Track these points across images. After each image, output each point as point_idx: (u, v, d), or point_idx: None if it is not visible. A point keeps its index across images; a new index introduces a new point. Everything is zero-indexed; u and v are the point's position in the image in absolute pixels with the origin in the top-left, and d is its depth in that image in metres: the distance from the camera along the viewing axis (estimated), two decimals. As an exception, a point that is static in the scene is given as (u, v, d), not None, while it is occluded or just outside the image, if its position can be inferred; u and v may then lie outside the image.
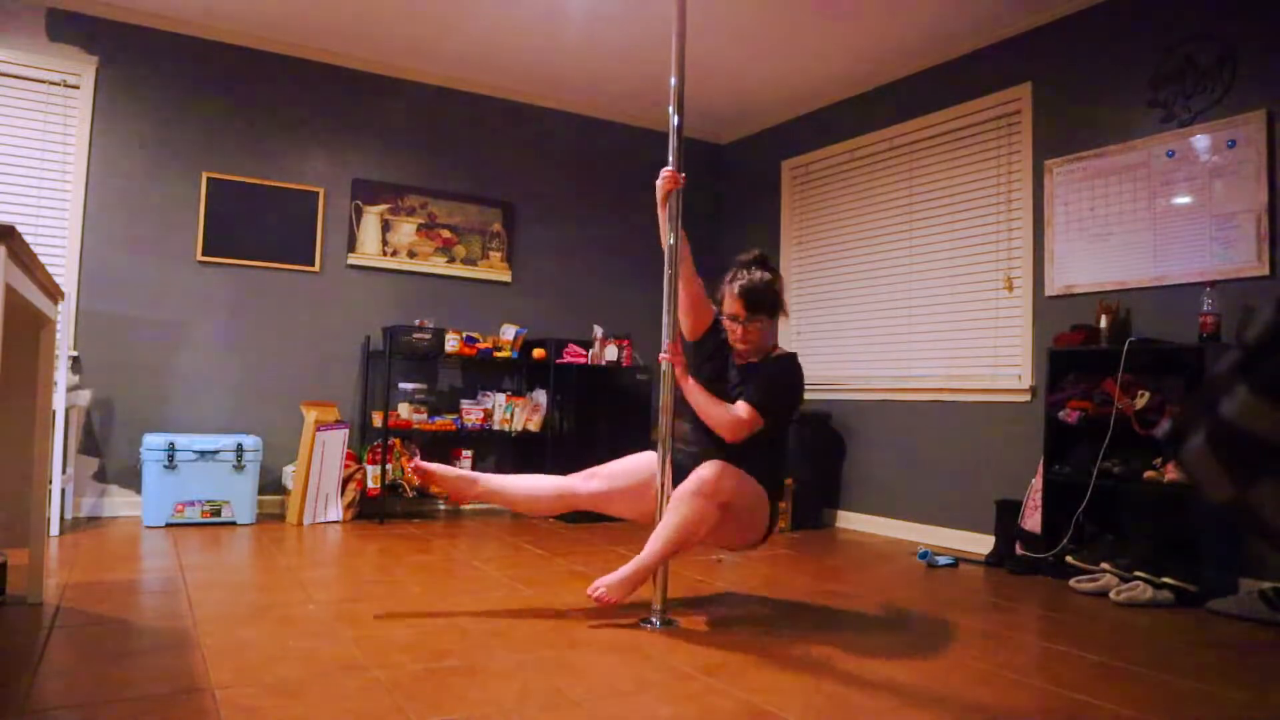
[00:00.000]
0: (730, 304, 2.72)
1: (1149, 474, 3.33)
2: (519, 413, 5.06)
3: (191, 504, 4.17)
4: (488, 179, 5.37)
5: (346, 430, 4.49)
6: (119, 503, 4.39)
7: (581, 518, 4.75)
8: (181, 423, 4.52)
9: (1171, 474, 3.25)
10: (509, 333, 5.10)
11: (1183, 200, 3.54)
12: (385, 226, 5.05)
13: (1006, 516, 3.88)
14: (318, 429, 4.37)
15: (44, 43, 4.28)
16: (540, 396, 5.08)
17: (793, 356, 2.80)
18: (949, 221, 4.56)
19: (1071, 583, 3.37)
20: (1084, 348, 3.63)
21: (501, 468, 5.32)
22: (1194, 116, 3.52)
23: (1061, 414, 3.61)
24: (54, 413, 3.58)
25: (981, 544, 4.16)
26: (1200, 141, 3.49)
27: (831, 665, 2.24)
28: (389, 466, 4.64)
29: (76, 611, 2.49)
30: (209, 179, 4.60)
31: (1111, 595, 3.19)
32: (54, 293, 2.51)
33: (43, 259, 4.19)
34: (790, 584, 3.30)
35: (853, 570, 3.65)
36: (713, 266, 6.14)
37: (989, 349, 4.32)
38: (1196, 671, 2.31)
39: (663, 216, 2.71)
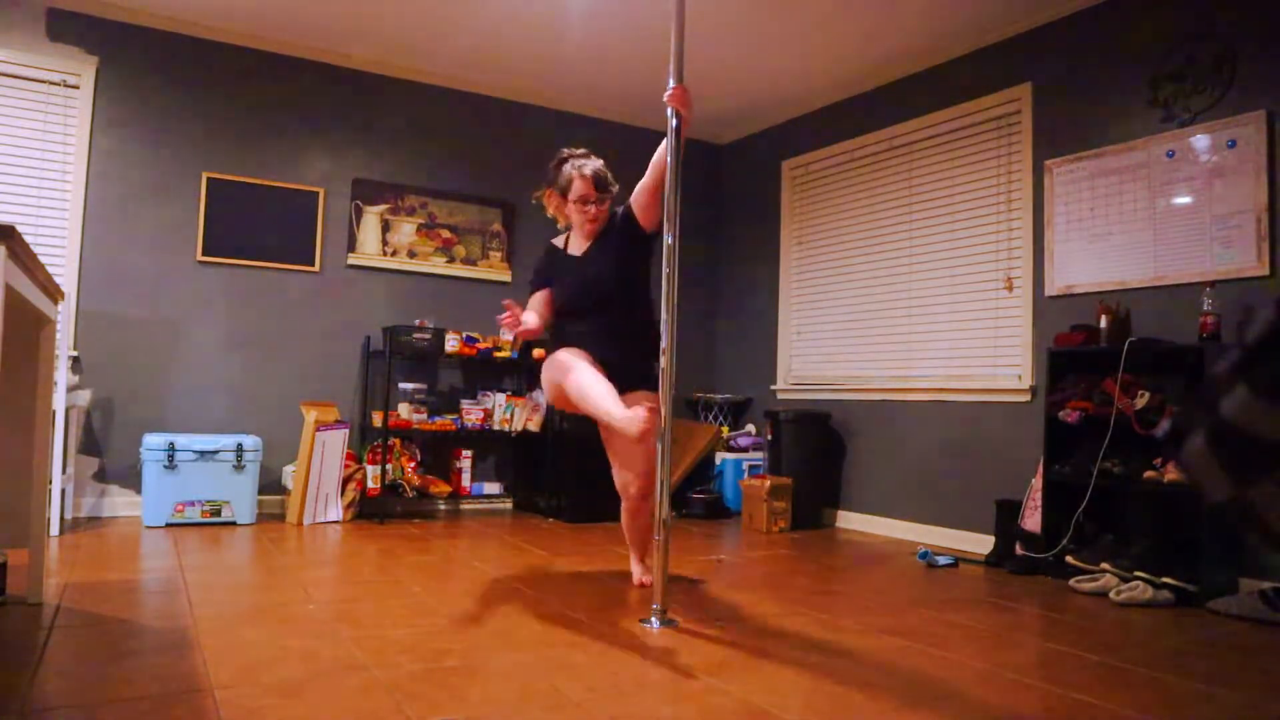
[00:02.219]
0: (582, 187, 3.03)
1: (1149, 474, 3.33)
2: (519, 413, 5.06)
3: (191, 504, 4.17)
4: (488, 179, 5.37)
5: (346, 430, 4.49)
6: (119, 503, 4.39)
7: (582, 517, 4.76)
8: (181, 423, 4.52)
9: (1171, 474, 3.25)
10: (509, 333, 5.10)
11: (1183, 200, 3.54)
12: (385, 226, 5.05)
13: (1006, 516, 3.88)
14: (318, 429, 4.37)
15: (44, 43, 4.28)
16: (540, 396, 5.08)
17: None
18: (949, 221, 4.56)
19: (1071, 583, 3.37)
20: (1084, 348, 3.63)
21: (501, 468, 5.32)
22: (1194, 116, 3.52)
23: (1061, 414, 3.61)
24: (54, 413, 3.58)
25: (981, 544, 4.16)
26: (1200, 141, 3.49)
27: (831, 665, 2.24)
28: (389, 466, 4.64)
29: (76, 611, 2.49)
30: (209, 179, 4.60)
31: (1111, 595, 3.19)
32: (54, 293, 2.51)
33: (43, 259, 4.19)
34: (790, 584, 3.30)
35: (853, 570, 3.65)
36: (712, 265, 6.16)
37: (989, 349, 4.32)
38: (1196, 671, 2.31)
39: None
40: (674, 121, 2.72)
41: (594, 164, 3.09)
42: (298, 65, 4.86)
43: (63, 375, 3.83)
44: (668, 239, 2.70)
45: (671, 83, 2.73)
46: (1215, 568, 3.17)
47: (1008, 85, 4.27)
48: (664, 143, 2.76)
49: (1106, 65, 3.86)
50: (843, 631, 2.61)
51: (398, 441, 4.76)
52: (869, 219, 5.05)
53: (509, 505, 5.31)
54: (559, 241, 3.24)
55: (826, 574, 3.54)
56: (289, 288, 4.80)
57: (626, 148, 5.86)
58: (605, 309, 3.03)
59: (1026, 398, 4.07)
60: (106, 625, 2.36)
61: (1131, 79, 3.75)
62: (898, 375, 4.79)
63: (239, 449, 4.24)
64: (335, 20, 4.50)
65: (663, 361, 2.69)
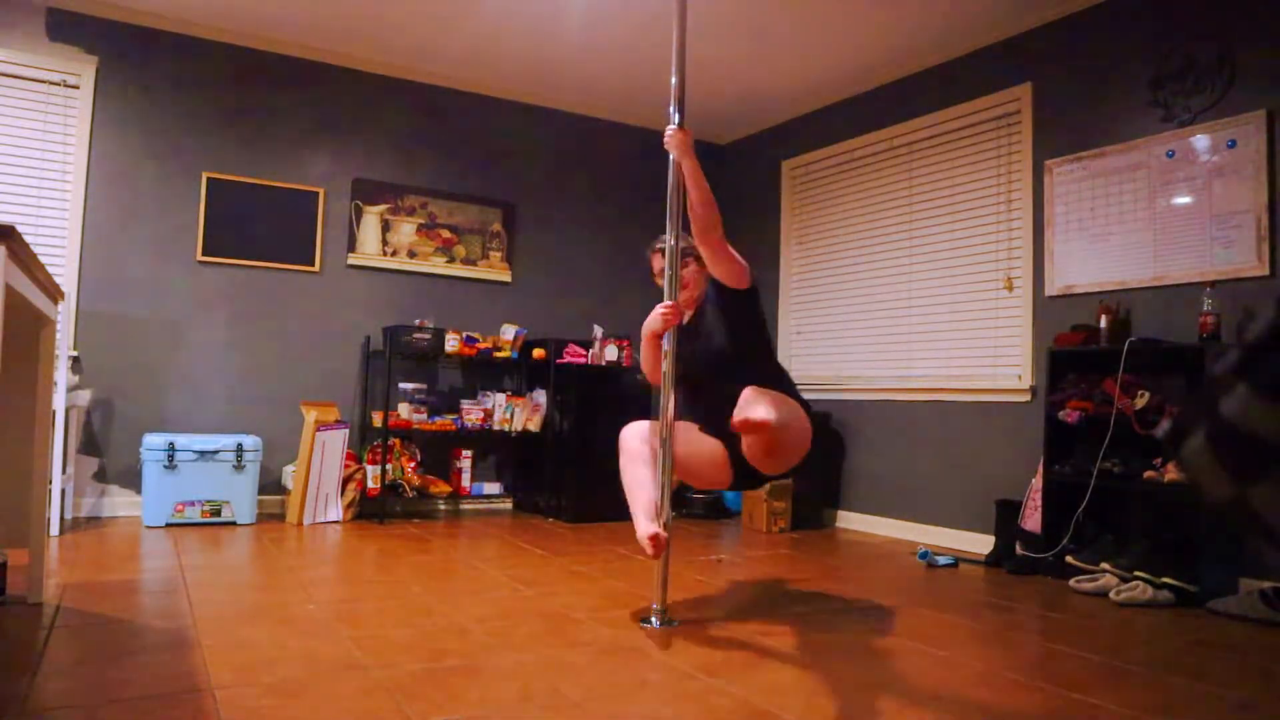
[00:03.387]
0: (657, 263, 2.90)
1: (1149, 474, 3.33)
2: (519, 413, 5.06)
3: (191, 504, 4.17)
4: (488, 179, 5.37)
5: (346, 430, 4.49)
6: (119, 503, 4.39)
7: (582, 517, 4.76)
8: (181, 423, 4.52)
9: (1171, 474, 3.25)
10: (509, 333, 5.10)
11: (1183, 200, 3.54)
12: (385, 226, 5.05)
13: (1006, 516, 3.88)
14: (318, 429, 4.37)
15: (44, 43, 4.28)
16: (540, 396, 5.08)
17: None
18: (949, 221, 4.56)
19: (1071, 583, 3.37)
20: (1084, 348, 3.63)
21: (501, 468, 5.32)
22: (1194, 116, 3.52)
23: (1061, 414, 3.61)
24: (54, 413, 3.58)
25: (981, 544, 4.16)
26: (1200, 141, 3.49)
27: (831, 665, 2.24)
28: (389, 466, 4.64)
29: (76, 611, 2.49)
30: (209, 179, 4.60)
31: (1111, 595, 3.19)
32: (54, 293, 2.51)
33: (43, 259, 4.19)
34: (790, 584, 3.30)
35: (853, 570, 3.65)
36: (713, 266, 6.15)
37: (989, 349, 4.32)
38: (1196, 671, 2.31)
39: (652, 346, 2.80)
40: (676, 119, 2.70)
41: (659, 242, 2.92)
42: (298, 65, 4.86)
43: (63, 375, 3.83)
44: (670, 240, 2.72)
45: (674, 123, 2.68)
46: (1215, 568, 3.18)
47: (1008, 85, 4.27)
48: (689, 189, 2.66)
49: (1106, 65, 3.86)
50: (842, 631, 2.61)
51: (398, 441, 4.76)
52: (869, 219, 5.05)
53: (509, 505, 5.31)
54: None
55: (826, 574, 3.54)
56: (289, 288, 4.80)
57: (626, 148, 5.87)
58: (709, 379, 2.84)
59: (1026, 398, 4.07)
60: (106, 625, 2.36)
61: (1131, 79, 3.75)
62: (898, 375, 4.79)
63: (239, 449, 4.24)
64: (335, 20, 4.50)
65: (665, 363, 2.71)
